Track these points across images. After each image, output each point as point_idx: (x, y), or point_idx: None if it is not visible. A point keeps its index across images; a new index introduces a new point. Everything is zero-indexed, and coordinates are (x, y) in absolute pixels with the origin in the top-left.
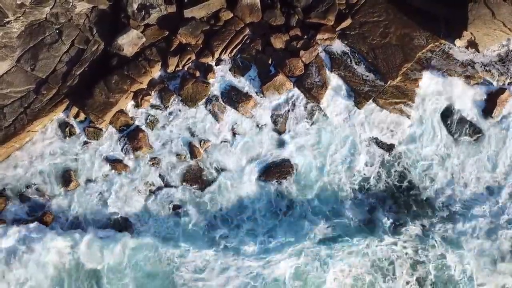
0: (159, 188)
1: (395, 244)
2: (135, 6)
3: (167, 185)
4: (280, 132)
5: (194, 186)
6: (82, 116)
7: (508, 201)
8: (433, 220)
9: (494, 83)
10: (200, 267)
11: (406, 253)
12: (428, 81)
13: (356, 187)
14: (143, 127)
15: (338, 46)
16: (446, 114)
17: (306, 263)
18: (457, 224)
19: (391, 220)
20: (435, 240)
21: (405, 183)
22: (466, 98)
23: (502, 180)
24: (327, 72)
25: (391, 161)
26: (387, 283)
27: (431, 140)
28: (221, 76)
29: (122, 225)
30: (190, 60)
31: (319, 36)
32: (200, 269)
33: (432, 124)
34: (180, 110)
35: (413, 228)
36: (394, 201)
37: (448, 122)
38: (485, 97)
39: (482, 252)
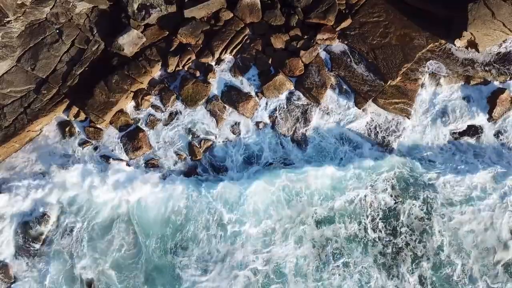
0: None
1: None
2: (135, 6)
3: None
4: (279, 132)
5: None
6: (82, 116)
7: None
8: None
9: (495, 83)
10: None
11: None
12: (428, 81)
13: None
14: (143, 127)
15: (338, 46)
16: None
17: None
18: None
19: None
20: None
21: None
22: (465, 98)
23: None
24: (327, 72)
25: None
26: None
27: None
28: (221, 76)
29: None
30: (190, 60)
31: (319, 36)
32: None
33: (432, 124)
34: (180, 110)
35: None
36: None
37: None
38: (486, 97)
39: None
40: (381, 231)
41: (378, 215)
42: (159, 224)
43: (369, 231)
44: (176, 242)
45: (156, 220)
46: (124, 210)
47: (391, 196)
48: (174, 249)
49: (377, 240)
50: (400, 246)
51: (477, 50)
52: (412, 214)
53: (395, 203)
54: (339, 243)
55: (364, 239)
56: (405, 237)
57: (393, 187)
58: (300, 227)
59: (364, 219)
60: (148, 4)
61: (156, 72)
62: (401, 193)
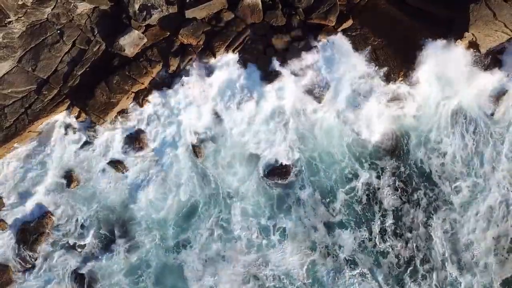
0: None
1: None
2: (136, 6)
3: None
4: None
5: None
6: (83, 116)
7: None
8: None
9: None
10: None
11: None
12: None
13: None
14: (144, 127)
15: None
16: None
17: None
18: None
19: None
20: None
21: None
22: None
23: None
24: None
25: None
26: None
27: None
28: (222, 76)
29: None
30: (192, 61)
31: (320, 37)
32: None
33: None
34: (181, 110)
35: None
36: None
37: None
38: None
39: None
40: None
41: None
42: None
43: None
44: None
45: None
46: None
47: None
48: None
49: None
50: None
51: (479, 51)
52: None
53: None
54: None
55: None
56: None
57: None
58: None
59: None
60: (149, 4)
61: (157, 72)
62: None
